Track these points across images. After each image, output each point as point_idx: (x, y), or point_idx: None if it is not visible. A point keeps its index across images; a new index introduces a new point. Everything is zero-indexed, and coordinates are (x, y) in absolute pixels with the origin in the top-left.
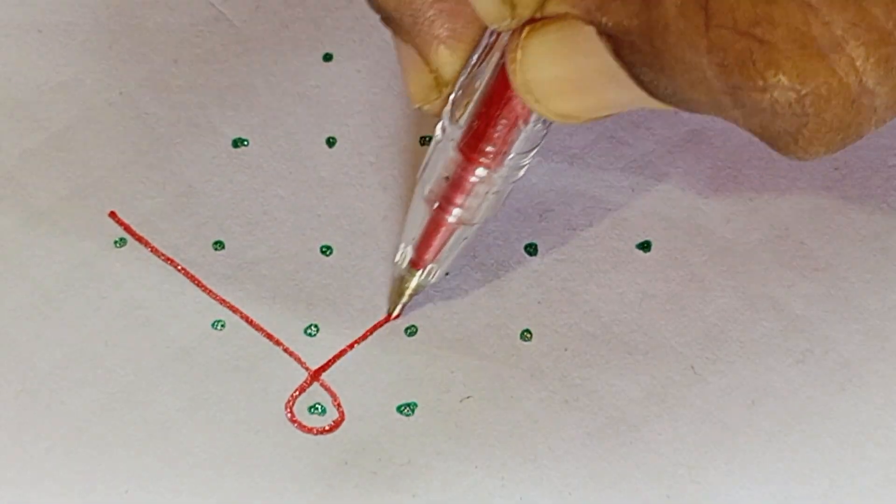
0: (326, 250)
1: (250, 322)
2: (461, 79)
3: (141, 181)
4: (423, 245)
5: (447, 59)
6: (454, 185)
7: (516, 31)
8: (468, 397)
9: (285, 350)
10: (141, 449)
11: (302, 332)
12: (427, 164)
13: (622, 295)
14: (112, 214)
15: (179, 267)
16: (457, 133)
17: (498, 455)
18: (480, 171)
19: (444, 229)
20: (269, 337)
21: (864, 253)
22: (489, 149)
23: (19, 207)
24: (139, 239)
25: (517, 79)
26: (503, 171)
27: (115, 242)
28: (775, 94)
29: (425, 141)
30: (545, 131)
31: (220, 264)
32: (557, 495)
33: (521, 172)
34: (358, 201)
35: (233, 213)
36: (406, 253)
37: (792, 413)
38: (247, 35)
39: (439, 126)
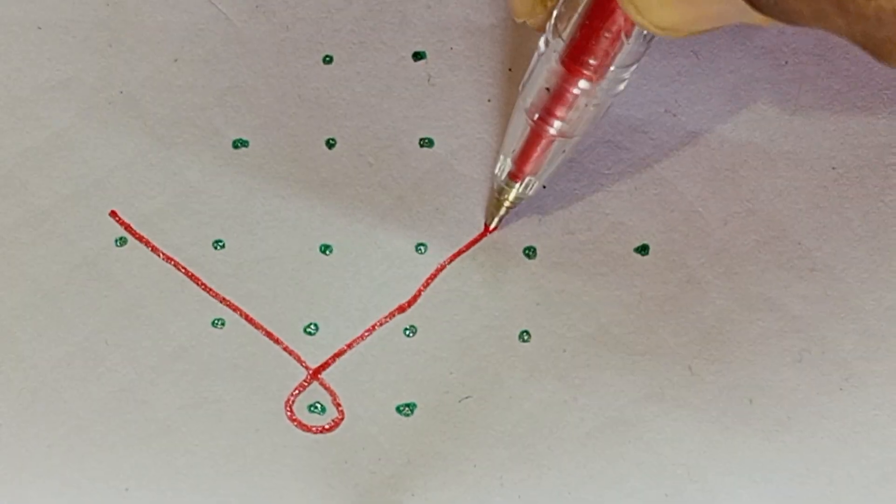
0: (326, 250)
1: (250, 320)
2: None
3: (142, 180)
4: (522, 157)
5: None
6: (556, 97)
7: None
8: (467, 397)
9: (285, 349)
10: (141, 447)
11: (302, 330)
12: (529, 76)
13: (620, 297)
14: (113, 214)
15: (180, 266)
16: (559, 46)
17: (497, 455)
18: (582, 84)
19: (544, 141)
20: (269, 335)
21: (861, 253)
22: (591, 61)
23: (20, 206)
24: (140, 238)
25: None
26: (604, 83)
27: (116, 241)
28: (881, 1)
29: (424, 142)
30: (647, 46)
31: (221, 263)
32: (556, 495)
33: (622, 86)
34: (357, 201)
35: (233, 213)
36: (505, 165)
37: (789, 413)
38: (247, 36)
39: (542, 39)
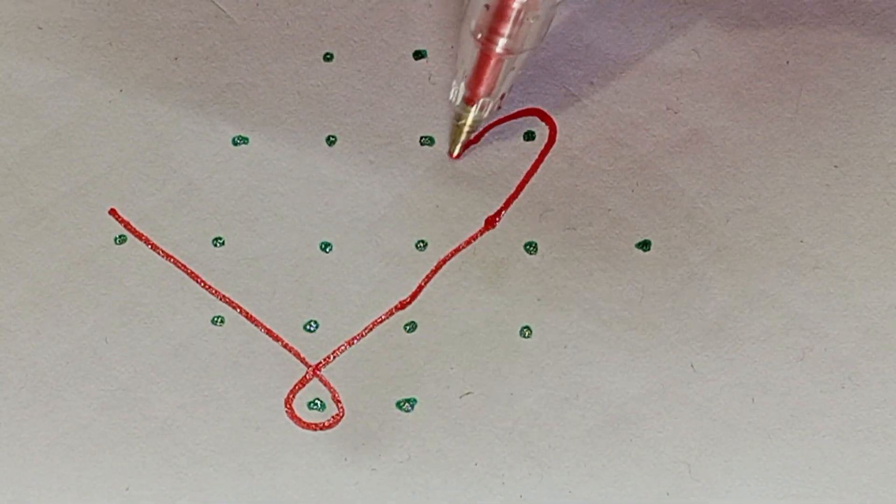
0: (326, 247)
1: (250, 318)
2: None
3: (141, 178)
4: (475, 79)
5: None
6: (498, 13)
7: None
8: (468, 393)
9: (285, 346)
10: (141, 445)
11: (301, 327)
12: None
13: (622, 293)
14: (112, 211)
15: (179, 263)
16: None
17: (498, 452)
18: None
19: (492, 61)
20: (269, 333)
21: (864, 251)
22: None
23: (20, 204)
24: (139, 236)
25: None
26: None
27: (116, 239)
28: None
29: (425, 141)
30: None
31: (220, 260)
32: (557, 492)
33: None
34: (357, 199)
35: (233, 210)
36: (459, 90)
37: (791, 410)
38: (247, 33)
39: None
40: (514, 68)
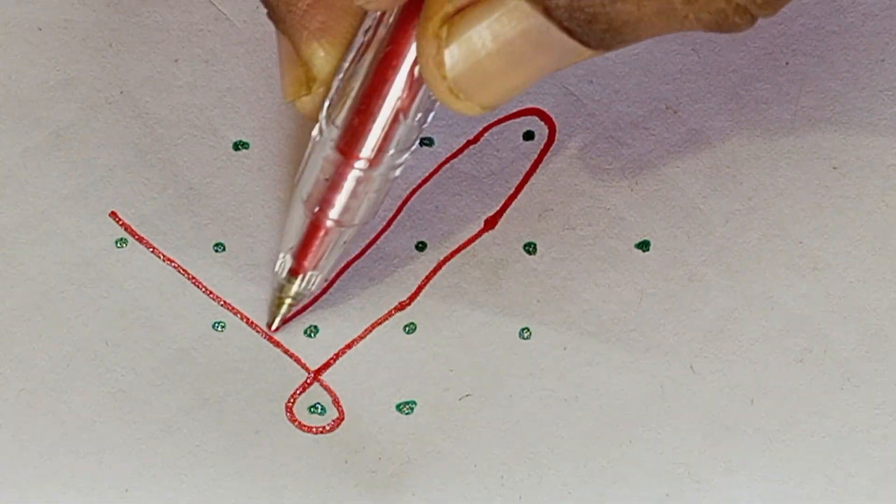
0: None
1: (250, 324)
2: (336, 81)
3: (142, 181)
4: (302, 251)
5: (319, 56)
6: (333, 185)
7: (426, 42)
8: (467, 395)
9: (285, 351)
10: (141, 449)
11: (302, 333)
12: (305, 167)
13: (621, 294)
14: (113, 215)
15: (181, 268)
16: (334, 133)
17: (497, 454)
18: (359, 171)
19: (323, 232)
20: (269, 339)
21: (863, 252)
22: (368, 146)
23: (20, 206)
24: (140, 240)
25: (441, 86)
26: (381, 169)
27: (116, 243)
28: None
29: (425, 142)
30: (421, 129)
31: (221, 266)
32: (557, 494)
33: (398, 172)
34: None
35: (234, 215)
36: (285, 262)
37: (790, 412)
38: (248, 36)
39: (316, 128)
40: (345, 241)
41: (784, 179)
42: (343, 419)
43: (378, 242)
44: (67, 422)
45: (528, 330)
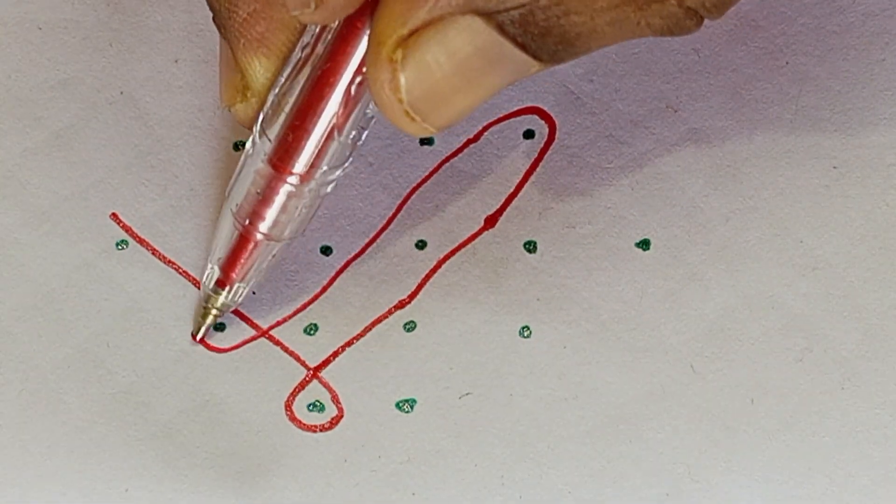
0: (326, 250)
1: (251, 323)
2: (272, 95)
3: (142, 183)
4: (230, 263)
5: (255, 67)
6: (264, 199)
7: (381, 66)
8: (467, 394)
9: (285, 349)
10: (141, 449)
11: (301, 331)
12: (237, 178)
13: (621, 293)
14: (114, 216)
15: (181, 269)
16: (267, 146)
17: (497, 453)
18: (291, 186)
19: (252, 246)
20: (270, 338)
21: (863, 252)
22: (301, 162)
23: (20, 207)
24: (141, 241)
25: (397, 109)
26: (313, 185)
27: (117, 244)
28: None
29: (425, 140)
30: (355, 147)
31: None
32: (557, 493)
33: (330, 188)
34: (357, 202)
35: None
36: (213, 272)
37: (791, 411)
38: None
39: (249, 141)
40: (273, 255)
41: (784, 179)
42: (342, 417)
43: (378, 241)
44: (67, 422)
45: (528, 328)
